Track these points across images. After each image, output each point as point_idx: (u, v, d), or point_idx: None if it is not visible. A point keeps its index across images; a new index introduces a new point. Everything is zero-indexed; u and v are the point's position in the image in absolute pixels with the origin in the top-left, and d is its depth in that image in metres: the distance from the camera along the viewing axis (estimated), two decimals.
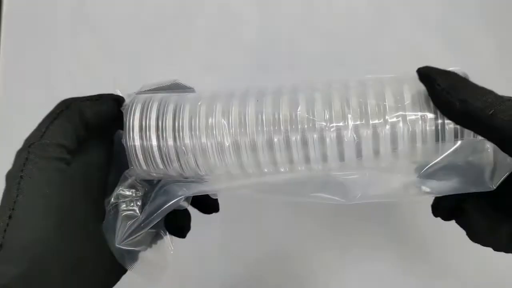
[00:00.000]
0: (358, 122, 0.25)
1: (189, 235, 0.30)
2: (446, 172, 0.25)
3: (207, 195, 0.29)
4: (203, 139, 0.26)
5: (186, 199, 0.28)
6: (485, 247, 0.26)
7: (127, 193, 0.28)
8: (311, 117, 0.25)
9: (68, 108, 0.26)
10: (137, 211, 0.28)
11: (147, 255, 0.28)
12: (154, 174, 0.28)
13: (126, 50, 0.49)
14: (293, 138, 0.25)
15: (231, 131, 0.26)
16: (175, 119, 0.27)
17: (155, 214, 0.27)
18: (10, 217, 0.22)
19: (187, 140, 0.26)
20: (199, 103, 0.27)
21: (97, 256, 0.26)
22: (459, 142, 0.24)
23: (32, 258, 0.22)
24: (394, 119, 0.24)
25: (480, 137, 0.24)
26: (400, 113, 0.24)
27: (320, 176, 0.26)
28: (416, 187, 0.25)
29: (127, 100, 0.28)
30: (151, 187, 0.29)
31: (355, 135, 0.25)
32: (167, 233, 0.29)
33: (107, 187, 0.28)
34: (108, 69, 0.49)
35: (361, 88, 0.26)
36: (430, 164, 0.25)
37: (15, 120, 0.47)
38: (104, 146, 0.28)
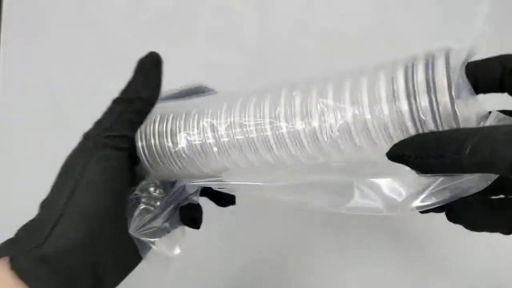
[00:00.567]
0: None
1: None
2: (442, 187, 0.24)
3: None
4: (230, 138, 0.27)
5: (196, 194, 0.29)
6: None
7: (151, 189, 0.30)
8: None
9: (130, 103, 0.29)
10: (156, 209, 0.29)
11: (158, 246, 0.30)
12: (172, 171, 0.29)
13: (126, 50, 0.49)
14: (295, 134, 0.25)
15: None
16: (197, 120, 0.28)
17: (170, 206, 0.29)
18: (75, 186, 0.26)
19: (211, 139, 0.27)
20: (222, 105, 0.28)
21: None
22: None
23: (89, 226, 0.25)
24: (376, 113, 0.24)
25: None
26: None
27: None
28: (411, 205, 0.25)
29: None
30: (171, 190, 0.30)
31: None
32: (179, 226, 0.31)
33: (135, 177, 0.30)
34: (108, 69, 0.49)
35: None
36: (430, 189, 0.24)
37: (15, 120, 0.47)
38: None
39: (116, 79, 0.49)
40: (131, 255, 0.28)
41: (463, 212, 0.24)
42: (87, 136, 0.28)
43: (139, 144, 0.29)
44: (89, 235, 0.25)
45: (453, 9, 0.47)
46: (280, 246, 0.44)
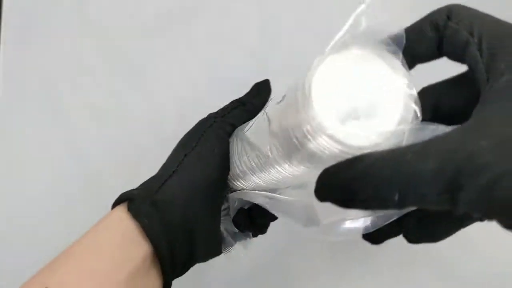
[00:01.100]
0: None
1: None
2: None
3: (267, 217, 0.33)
4: None
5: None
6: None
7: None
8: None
9: (244, 105, 0.34)
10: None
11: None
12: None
13: (126, 50, 0.49)
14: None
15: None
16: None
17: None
18: (187, 154, 0.31)
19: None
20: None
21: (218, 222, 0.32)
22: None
23: (192, 188, 0.29)
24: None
25: None
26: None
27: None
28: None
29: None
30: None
31: None
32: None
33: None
34: (108, 69, 0.49)
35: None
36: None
37: (15, 120, 0.47)
38: None
39: (116, 79, 0.49)
40: (215, 244, 0.32)
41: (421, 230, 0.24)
42: (207, 117, 0.33)
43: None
44: (191, 197, 0.29)
45: None
46: (281, 256, 0.44)
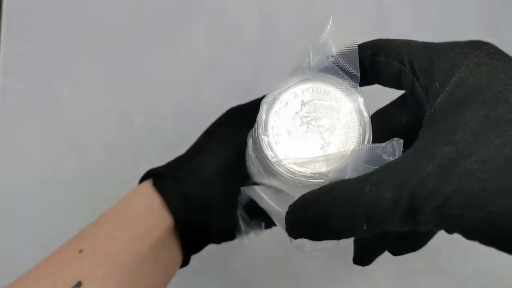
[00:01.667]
0: None
1: None
2: None
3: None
4: None
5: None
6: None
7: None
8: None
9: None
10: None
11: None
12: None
13: (126, 50, 0.49)
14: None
15: None
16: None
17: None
18: (211, 138, 0.32)
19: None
20: None
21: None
22: None
23: (213, 169, 0.31)
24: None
25: None
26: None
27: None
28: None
29: None
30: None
31: None
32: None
33: None
34: (108, 69, 0.49)
35: None
36: None
37: (14, 120, 0.47)
38: None
39: (117, 79, 0.49)
40: (229, 226, 0.32)
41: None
42: (231, 108, 0.34)
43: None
44: (211, 176, 0.31)
45: (454, 10, 0.47)
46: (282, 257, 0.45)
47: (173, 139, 0.46)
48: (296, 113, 0.24)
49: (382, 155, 0.21)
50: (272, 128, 0.24)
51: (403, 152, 0.21)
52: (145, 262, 0.28)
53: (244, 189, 0.32)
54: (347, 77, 0.24)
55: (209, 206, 0.31)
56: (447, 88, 0.20)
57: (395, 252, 0.26)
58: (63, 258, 0.27)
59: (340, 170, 0.23)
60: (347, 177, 0.22)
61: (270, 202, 0.29)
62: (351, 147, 0.23)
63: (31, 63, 0.49)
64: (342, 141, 0.24)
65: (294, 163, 0.23)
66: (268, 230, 0.35)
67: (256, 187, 0.30)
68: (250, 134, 0.31)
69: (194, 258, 0.32)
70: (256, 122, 0.25)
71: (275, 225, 0.35)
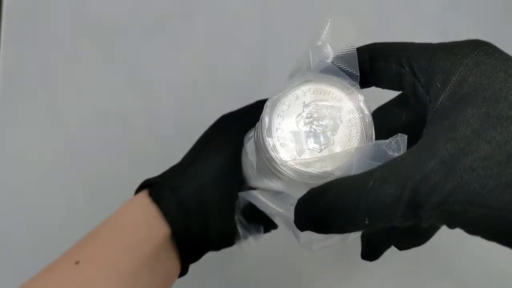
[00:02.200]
0: None
1: None
2: None
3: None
4: None
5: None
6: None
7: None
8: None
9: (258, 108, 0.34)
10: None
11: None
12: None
13: (126, 50, 0.49)
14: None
15: None
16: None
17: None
18: (206, 145, 0.32)
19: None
20: None
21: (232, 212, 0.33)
22: None
23: (209, 175, 0.31)
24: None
25: None
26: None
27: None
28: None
29: None
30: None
31: None
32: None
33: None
34: (107, 69, 0.49)
35: None
36: None
37: (14, 119, 0.47)
38: None
39: (116, 79, 0.49)
40: (228, 232, 0.32)
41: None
42: (224, 115, 0.34)
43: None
44: (207, 184, 0.31)
45: (453, 10, 0.47)
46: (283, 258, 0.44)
47: (173, 140, 0.46)
48: (299, 114, 0.25)
49: (387, 151, 0.22)
50: (276, 130, 0.25)
51: (406, 149, 0.22)
52: (143, 272, 0.28)
53: (242, 194, 0.32)
54: (347, 76, 0.25)
55: (207, 213, 0.31)
56: (448, 88, 0.21)
57: (401, 247, 0.26)
58: (59, 270, 0.27)
59: (346, 168, 0.23)
60: (352, 174, 0.22)
61: (271, 204, 0.30)
62: (355, 145, 0.24)
63: (31, 63, 0.49)
64: (346, 140, 0.24)
65: (300, 164, 0.24)
66: (267, 234, 0.35)
67: (254, 192, 0.31)
68: (247, 139, 0.32)
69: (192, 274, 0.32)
70: (259, 125, 0.25)
71: (274, 229, 0.35)
